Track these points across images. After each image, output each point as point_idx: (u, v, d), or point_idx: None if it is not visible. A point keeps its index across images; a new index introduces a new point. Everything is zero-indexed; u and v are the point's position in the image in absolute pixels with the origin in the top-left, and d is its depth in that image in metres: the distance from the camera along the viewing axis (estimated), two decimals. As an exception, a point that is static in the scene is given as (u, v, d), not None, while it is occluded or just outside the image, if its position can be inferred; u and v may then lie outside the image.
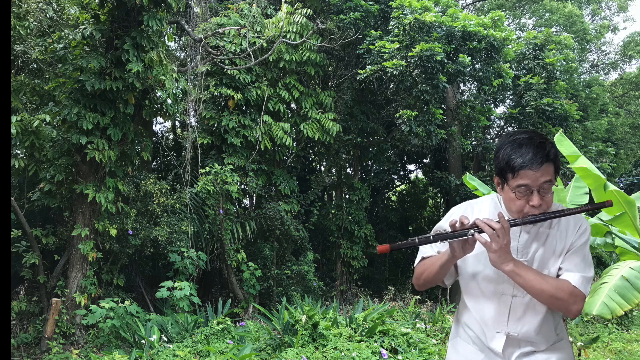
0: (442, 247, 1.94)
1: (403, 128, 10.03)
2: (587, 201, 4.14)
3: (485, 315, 1.94)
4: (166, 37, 8.05)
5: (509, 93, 12.85)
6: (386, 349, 5.72)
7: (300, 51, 10.03)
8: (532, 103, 11.44)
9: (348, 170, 12.77)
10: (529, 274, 1.76)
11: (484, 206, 2.02)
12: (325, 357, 5.49)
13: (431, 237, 1.80)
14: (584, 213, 4.01)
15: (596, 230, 3.72)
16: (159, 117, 9.09)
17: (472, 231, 1.76)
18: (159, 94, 7.95)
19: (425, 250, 2.06)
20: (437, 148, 12.43)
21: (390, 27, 10.24)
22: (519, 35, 16.92)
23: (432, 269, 1.94)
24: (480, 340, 1.97)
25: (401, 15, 9.92)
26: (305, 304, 7.52)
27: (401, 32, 9.90)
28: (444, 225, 1.97)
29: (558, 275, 1.85)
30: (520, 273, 1.75)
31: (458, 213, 2.00)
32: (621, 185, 19.78)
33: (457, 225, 1.78)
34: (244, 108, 9.92)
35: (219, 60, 9.18)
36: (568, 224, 1.89)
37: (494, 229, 1.72)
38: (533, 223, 1.80)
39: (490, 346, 1.92)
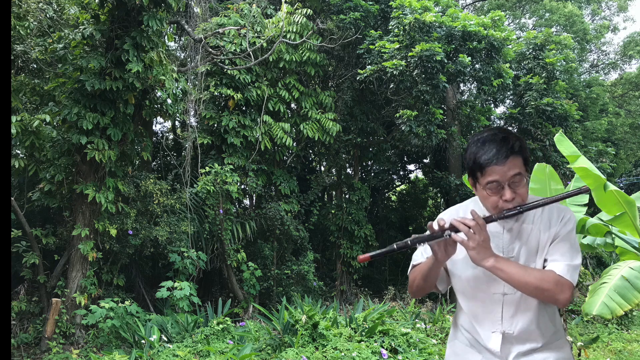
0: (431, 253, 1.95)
1: (403, 128, 10.03)
2: (586, 201, 4.15)
3: (479, 316, 1.95)
4: (166, 37, 8.05)
5: (509, 93, 12.86)
6: (386, 349, 5.72)
7: (300, 51, 10.03)
8: (532, 103, 11.44)
9: (348, 170, 12.77)
10: (510, 267, 1.76)
11: (468, 208, 2.03)
12: (325, 357, 5.49)
13: (408, 241, 1.80)
14: (582, 207, 4.01)
15: (596, 230, 3.72)
16: (159, 117, 9.09)
17: (448, 232, 1.76)
18: (159, 94, 7.96)
19: (415, 258, 2.07)
20: (437, 148, 12.43)
21: (390, 27, 10.25)
22: (519, 35, 16.92)
23: (423, 276, 1.95)
24: (478, 342, 1.97)
25: (401, 15, 9.92)
26: (305, 304, 7.52)
27: (401, 32, 9.90)
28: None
29: (544, 267, 1.84)
30: (502, 268, 1.75)
31: (443, 218, 2.01)
32: (621, 185, 19.77)
33: (435, 227, 1.79)
34: (244, 108, 9.92)
35: (219, 60, 9.19)
36: (551, 215, 1.89)
37: (469, 227, 1.73)
38: (508, 218, 1.80)
39: (487, 346, 1.92)
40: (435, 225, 1.79)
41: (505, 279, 1.77)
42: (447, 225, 1.78)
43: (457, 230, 1.76)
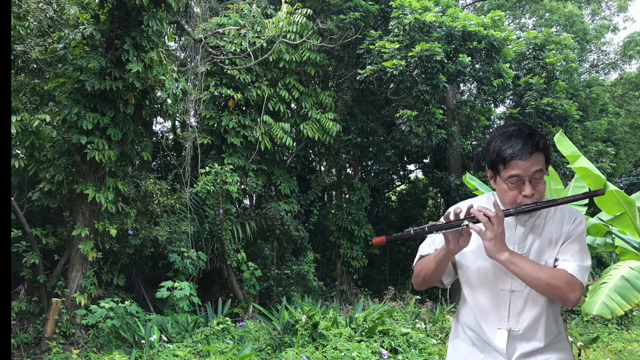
0: (440, 245, 1.95)
1: (403, 128, 10.03)
2: (586, 200, 4.14)
3: (485, 311, 1.94)
4: (166, 37, 8.05)
5: (509, 93, 12.85)
6: (386, 349, 5.72)
7: (300, 51, 10.02)
8: (532, 103, 11.43)
9: (348, 170, 12.76)
10: (524, 263, 1.77)
11: (481, 203, 2.04)
12: (325, 357, 5.49)
13: (426, 228, 1.81)
14: (582, 207, 4.01)
15: (596, 230, 3.72)
16: (159, 117, 9.09)
17: (466, 222, 1.77)
18: (159, 94, 7.96)
19: (423, 249, 2.07)
20: (437, 148, 12.43)
21: (390, 27, 10.24)
22: (519, 35, 16.91)
23: (430, 267, 1.95)
24: (481, 339, 1.96)
25: (401, 15, 9.92)
26: (305, 304, 7.52)
27: (401, 32, 9.90)
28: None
29: (555, 266, 1.86)
30: (516, 262, 1.77)
31: (460, 207, 2.01)
32: (621, 185, 19.76)
33: (451, 216, 1.80)
34: (244, 108, 9.92)
35: (219, 60, 9.18)
36: (563, 216, 1.91)
37: (488, 217, 1.74)
38: (526, 213, 1.82)
39: (492, 343, 1.92)
40: (451, 215, 1.80)
41: (518, 274, 1.78)
42: (463, 215, 1.79)
43: (475, 221, 1.76)
